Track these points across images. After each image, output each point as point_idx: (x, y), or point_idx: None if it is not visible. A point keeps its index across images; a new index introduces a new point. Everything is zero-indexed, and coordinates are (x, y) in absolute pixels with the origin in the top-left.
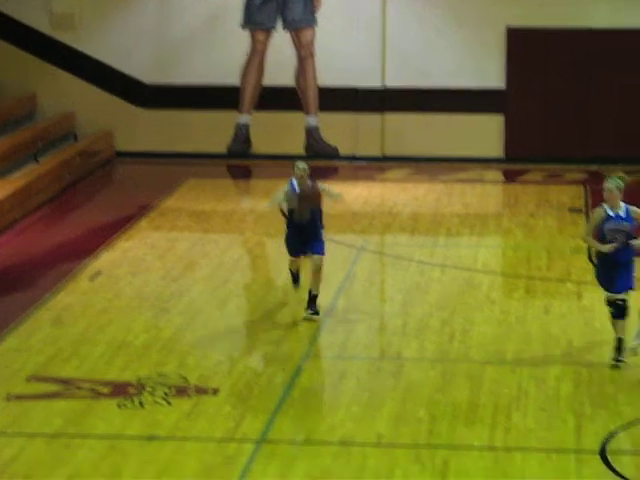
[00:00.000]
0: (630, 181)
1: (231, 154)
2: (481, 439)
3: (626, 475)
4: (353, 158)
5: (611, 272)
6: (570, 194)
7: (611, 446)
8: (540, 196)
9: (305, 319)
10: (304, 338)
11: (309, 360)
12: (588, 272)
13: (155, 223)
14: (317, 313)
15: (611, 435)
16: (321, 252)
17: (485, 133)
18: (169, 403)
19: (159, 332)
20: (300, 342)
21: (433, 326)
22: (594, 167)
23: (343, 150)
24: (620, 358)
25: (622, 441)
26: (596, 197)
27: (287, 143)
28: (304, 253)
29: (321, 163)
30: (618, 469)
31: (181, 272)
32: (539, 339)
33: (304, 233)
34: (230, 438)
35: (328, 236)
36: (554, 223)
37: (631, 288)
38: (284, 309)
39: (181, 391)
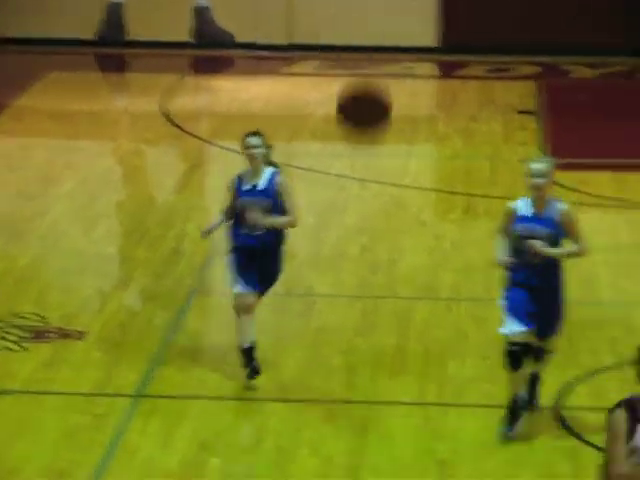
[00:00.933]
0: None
1: (101, 41)
2: (409, 393)
3: (583, 434)
4: (253, 47)
5: (516, 295)
6: (519, 92)
7: (566, 400)
8: (483, 95)
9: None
10: (191, 270)
11: (197, 297)
12: None
13: (5, 127)
14: (257, 372)
15: (566, 387)
16: (262, 290)
17: (416, 15)
18: (24, 349)
19: (11, 262)
20: (186, 274)
21: (351, 254)
22: (548, 59)
23: (240, 36)
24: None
25: (579, 395)
26: (551, 95)
27: (170, 27)
28: (254, 287)
29: (214, 53)
30: (573, 427)
31: (39, 188)
32: (481, 270)
33: (257, 258)
34: (100, 392)
35: (219, 145)
36: (499, 128)
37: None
38: (167, 233)
39: (39, 334)
